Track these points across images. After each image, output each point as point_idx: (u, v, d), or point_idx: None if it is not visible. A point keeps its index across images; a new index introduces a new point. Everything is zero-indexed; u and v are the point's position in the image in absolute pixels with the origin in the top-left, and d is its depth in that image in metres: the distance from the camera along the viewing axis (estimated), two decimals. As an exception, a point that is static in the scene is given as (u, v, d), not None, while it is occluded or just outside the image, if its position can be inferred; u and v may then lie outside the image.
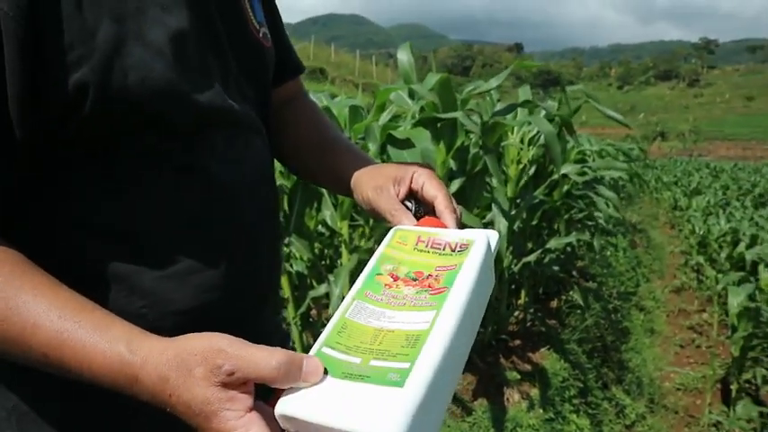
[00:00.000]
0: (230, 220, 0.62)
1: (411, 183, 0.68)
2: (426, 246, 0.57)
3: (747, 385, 3.91)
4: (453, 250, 0.55)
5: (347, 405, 0.41)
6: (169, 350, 0.45)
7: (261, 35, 0.71)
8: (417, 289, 0.51)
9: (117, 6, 0.52)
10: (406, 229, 0.61)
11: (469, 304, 0.49)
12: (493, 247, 0.58)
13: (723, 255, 6.13)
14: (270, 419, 0.44)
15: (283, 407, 0.43)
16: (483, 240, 0.55)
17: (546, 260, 3.02)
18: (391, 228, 0.63)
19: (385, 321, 0.49)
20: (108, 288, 0.56)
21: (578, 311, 3.38)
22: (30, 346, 0.47)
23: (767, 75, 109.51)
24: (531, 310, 3.16)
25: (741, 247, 5.77)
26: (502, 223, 2.38)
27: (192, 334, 0.46)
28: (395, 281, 0.53)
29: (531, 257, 2.77)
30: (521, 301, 3.13)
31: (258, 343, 0.45)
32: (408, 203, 0.67)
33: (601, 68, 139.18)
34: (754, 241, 5.88)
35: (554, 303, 3.45)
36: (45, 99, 0.50)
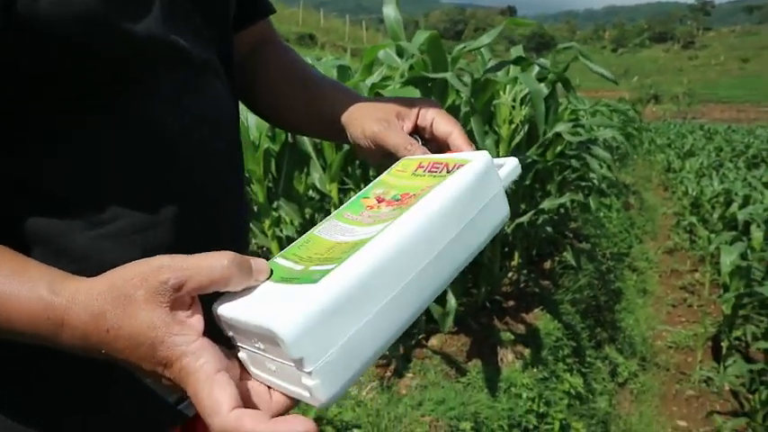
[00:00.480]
0: (181, 173, 0.54)
1: (417, 119, 0.61)
2: (425, 170, 0.51)
3: (738, 342, 3.96)
4: (449, 171, 0.48)
5: (266, 303, 0.39)
6: (99, 284, 0.39)
7: None
8: (394, 207, 0.46)
9: None
10: (411, 158, 0.56)
11: (436, 219, 0.43)
12: (504, 174, 0.51)
13: (716, 215, 6.15)
14: (224, 351, 0.40)
15: (216, 306, 0.41)
16: (482, 161, 0.48)
17: (539, 221, 3.00)
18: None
19: (348, 236, 0.44)
20: (29, 251, 0.48)
21: (572, 272, 3.39)
22: None
23: (763, 36, 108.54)
24: (525, 272, 3.15)
25: (734, 207, 5.79)
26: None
27: (123, 265, 0.40)
28: (378, 203, 0.49)
29: (525, 218, 2.75)
30: (514, 263, 3.12)
31: None
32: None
33: (595, 31, 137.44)
34: (746, 201, 5.89)
35: (547, 264, 3.45)
36: None
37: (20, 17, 0.44)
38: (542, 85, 2.62)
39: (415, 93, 1.96)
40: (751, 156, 11.41)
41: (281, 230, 2.36)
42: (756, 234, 4.75)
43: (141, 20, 0.49)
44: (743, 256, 4.35)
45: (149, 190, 0.53)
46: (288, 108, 0.74)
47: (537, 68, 2.55)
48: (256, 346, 0.39)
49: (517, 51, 2.60)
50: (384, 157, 0.61)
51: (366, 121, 0.62)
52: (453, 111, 2.23)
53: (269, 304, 0.39)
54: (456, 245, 0.44)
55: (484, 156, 0.50)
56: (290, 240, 2.39)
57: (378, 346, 0.40)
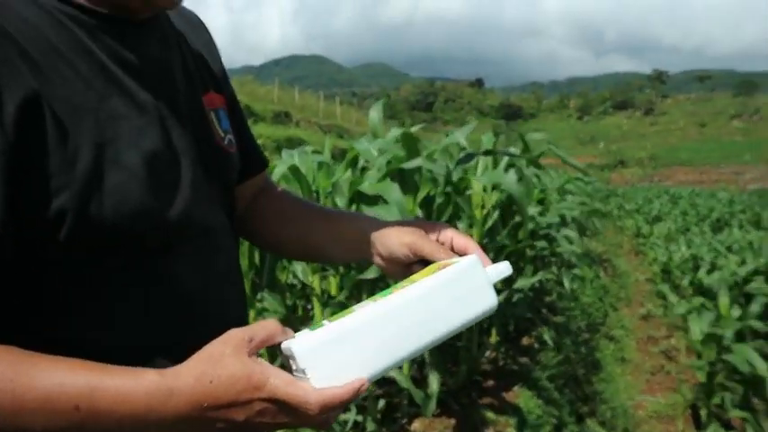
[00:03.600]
0: (202, 319, 0.67)
1: (439, 235, 0.74)
2: (441, 268, 0.65)
3: (717, 410, 4.01)
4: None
5: (298, 338, 0.57)
6: (192, 359, 0.55)
7: (226, 142, 0.76)
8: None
9: (96, 135, 0.57)
10: (439, 262, 0.69)
11: (420, 298, 0.60)
12: (494, 272, 0.68)
13: (685, 281, 6.32)
14: None
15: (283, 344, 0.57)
16: (469, 262, 0.65)
17: (514, 299, 3.10)
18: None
19: (365, 306, 0.61)
20: None
21: (549, 347, 3.46)
22: (54, 408, 0.50)
23: (716, 102, 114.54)
24: (503, 349, 3.22)
25: (701, 272, 5.97)
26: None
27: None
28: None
29: (500, 297, 2.84)
30: (492, 340, 3.19)
31: None
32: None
33: (560, 101, 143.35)
34: (713, 267, 6.09)
35: (525, 340, 3.52)
36: (25, 224, 0.54)
37: (90, 217, 0.57)
38: (512, 171, 2.79)
39: (393, 186, 2.06)
40: (715, 219, 11.83)
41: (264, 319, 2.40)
42: (723, 300, 4.90)
43: (175, 204, 0.64)
44: (712, 323, 4.48)
45: (177, 334, 0.65)
46: (292, 237, 0.87)
47: (506, 158, 2.72)
48: (294, 369, 0.56)
49: (488, 141, 2.78)
50: (409, 267, 0.73)
51: (401, 234, 0.74)
52: (429, 200, 2.37)
53: (298, 338, 0.57)
54: (436, 317, 0.61)
55: (470, 258, 0.66)
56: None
57: (365, 374, 0.56)
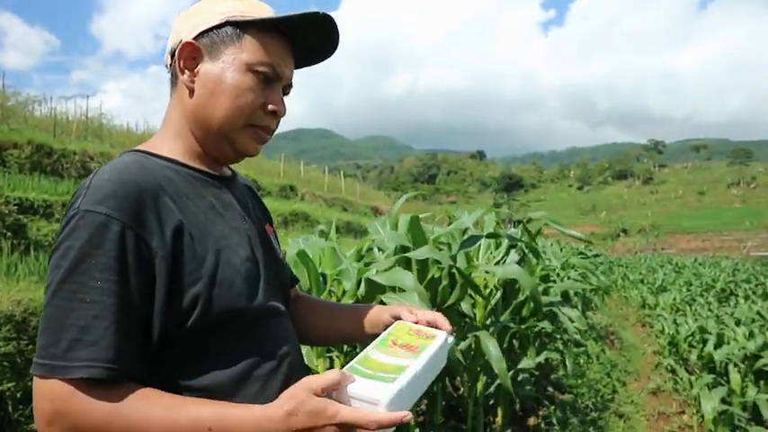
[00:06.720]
0: (278, 370, 0.97)
1: (417, 312, 1.09)
2: (414, 333, 1.02)
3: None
4: (427, 338, 1.00)
5: (366, 387, 0.81)
6: (281, 399, 0.79)
7: (281, 256, 1.11)
8: (405, 350, 0.95)
9: (213, 246, 0.90)
10: (404, 323, 1.06)
11: (428, 361, 0.93)
12: (449, 342, 1.04)
13: (694, 355, 6.24)
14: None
15: (347, 389, 0.81)
16: (442, 336, 1.02)
17: (520, 378, 3.09)
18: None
19: (389, 360, 0.90)
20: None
21: (557, 428, 3.41)
22: (197, 429, 0.78)
23: (713, 171, 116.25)
24: (509, 430, 3.18)
25: (709, 346, 5.91)
26: (474, 349, 2.48)
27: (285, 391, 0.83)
28: (394, 345, 0.96)
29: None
30: (498, 419, 3.15)
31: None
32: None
33: (560, 171, 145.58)
34: (720, 340, 6.03)
35: (532, 420, 3.47)
36: (172, 309, 0.84)
37: (212, 298, 0.86)
38: (513, 252, 2.87)
39: (407, 275, 2.12)
40: (719, 289, 11.77)
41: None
42: (734, 376, 4.82)
43: (259, 292, 0.95)
44: (724, 401, 4.41)
45: (263, 381, 0.94)
46: (320, 328, 1.22)
47: (506, 241, 2.80)
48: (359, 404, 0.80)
49: (490, 224, 2.88)
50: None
51: (393, 312, 1.12)
52: (435, 282, 2.43)
53: (371, 388, 0.81)
54: (432, 371, 0.97)
55: (443, 333, 1.04)
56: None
57: (414, 401, 0.89)
